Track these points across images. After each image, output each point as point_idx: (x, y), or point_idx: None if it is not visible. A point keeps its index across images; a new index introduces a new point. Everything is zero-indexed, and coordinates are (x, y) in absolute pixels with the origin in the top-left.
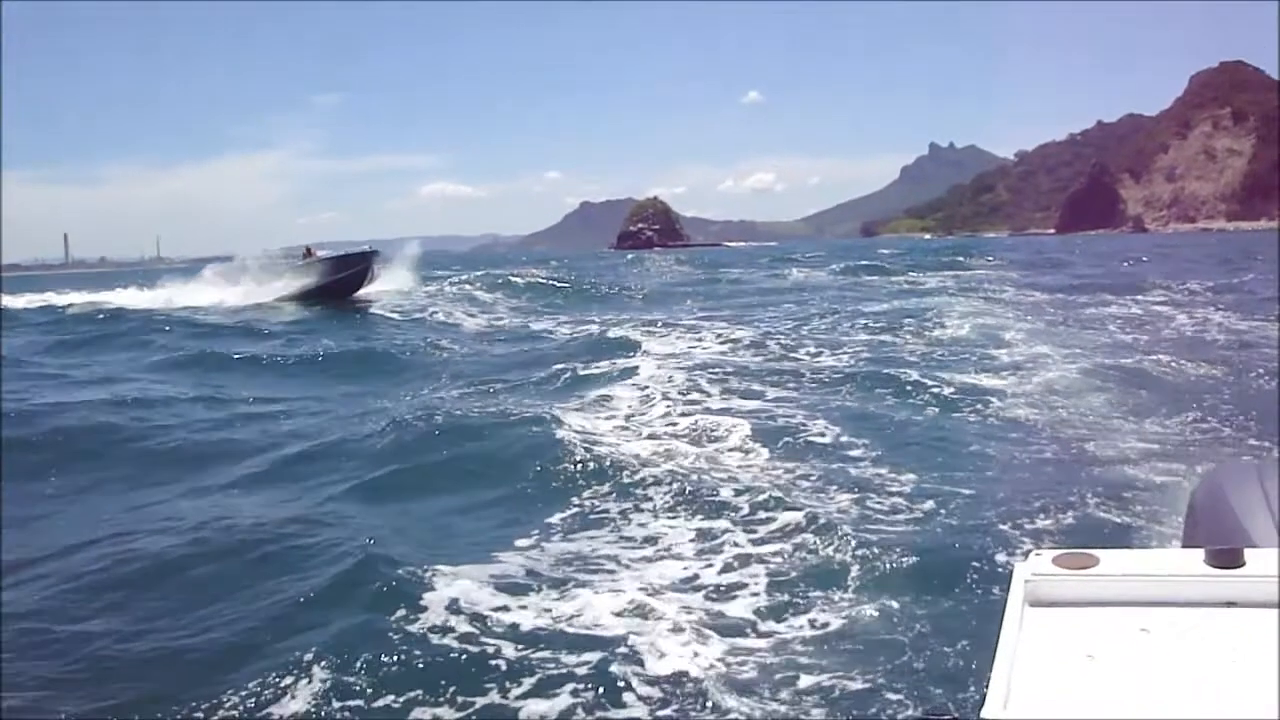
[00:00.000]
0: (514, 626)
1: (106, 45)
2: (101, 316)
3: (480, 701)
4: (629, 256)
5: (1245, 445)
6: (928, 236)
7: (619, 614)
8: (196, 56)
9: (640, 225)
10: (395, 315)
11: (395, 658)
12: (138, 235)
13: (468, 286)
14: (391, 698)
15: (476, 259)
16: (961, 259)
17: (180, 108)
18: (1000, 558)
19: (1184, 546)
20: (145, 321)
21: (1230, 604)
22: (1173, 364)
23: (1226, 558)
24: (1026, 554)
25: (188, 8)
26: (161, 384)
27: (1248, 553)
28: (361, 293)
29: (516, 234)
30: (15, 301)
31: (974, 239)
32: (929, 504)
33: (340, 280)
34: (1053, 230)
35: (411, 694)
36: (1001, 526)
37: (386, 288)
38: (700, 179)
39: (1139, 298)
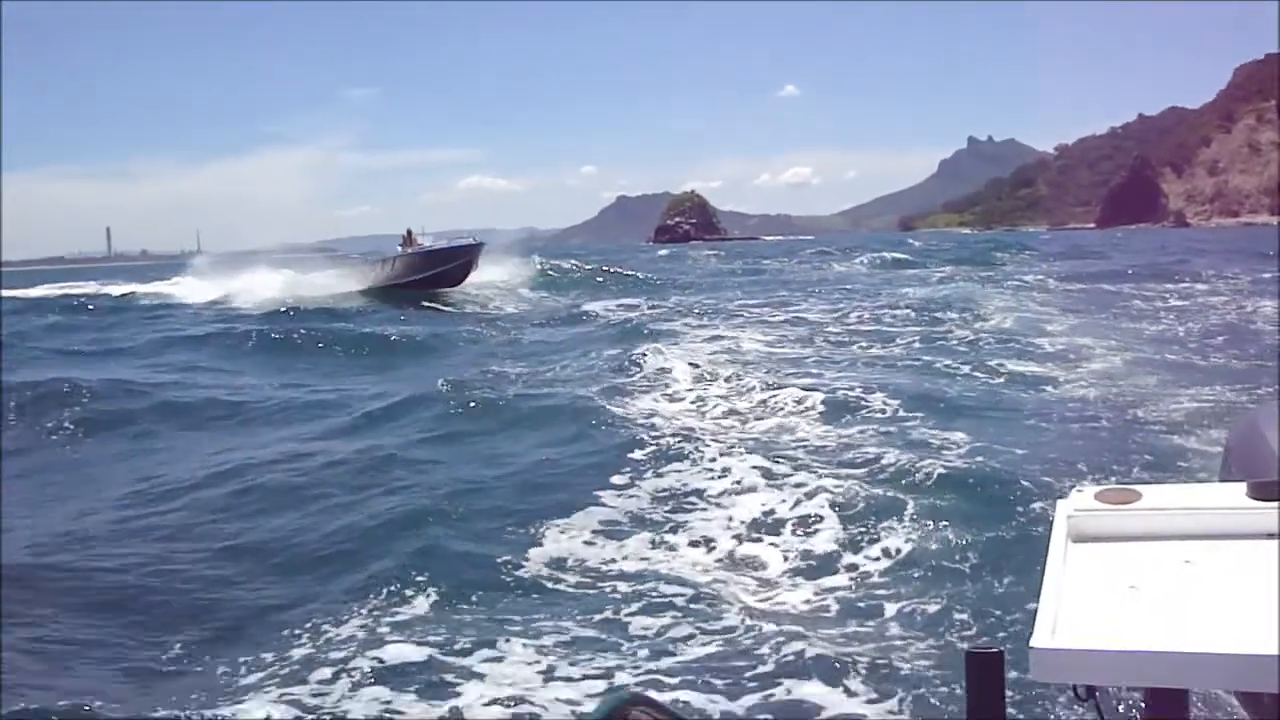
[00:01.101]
0: (609, 559)
1: (145, 42)
2: (158, 306)
3: (585, 626)
4: (663, 251)
5: None
6: (966, 231)
7: (711, 553)
8: (231, 51)
9: (678, 219)
10: (449, 308)
11: (492, 574)
12: (178, 229)
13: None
14: (504, 615)
15: (515, 252)
16: (1000, 253)
17: (217, 103)
18: (1038, 505)
19: (1221, 482)
20: (217, 313)
21: (1272, 535)
22: (1221, 347)
23: (1269, 490)
24: (1068, 491)
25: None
26: (235, 369)
27: None
28: (463, 285)
29: (553, 227)
30: (77, 289)
31: (1013, 233)
32: (980, 458)
33: (444, 272)
34: (1092, 225)
35: (521, 610)
36: (1046, 478)
37: (489, 278)
38: (736, 173)
39: (1183, 287)
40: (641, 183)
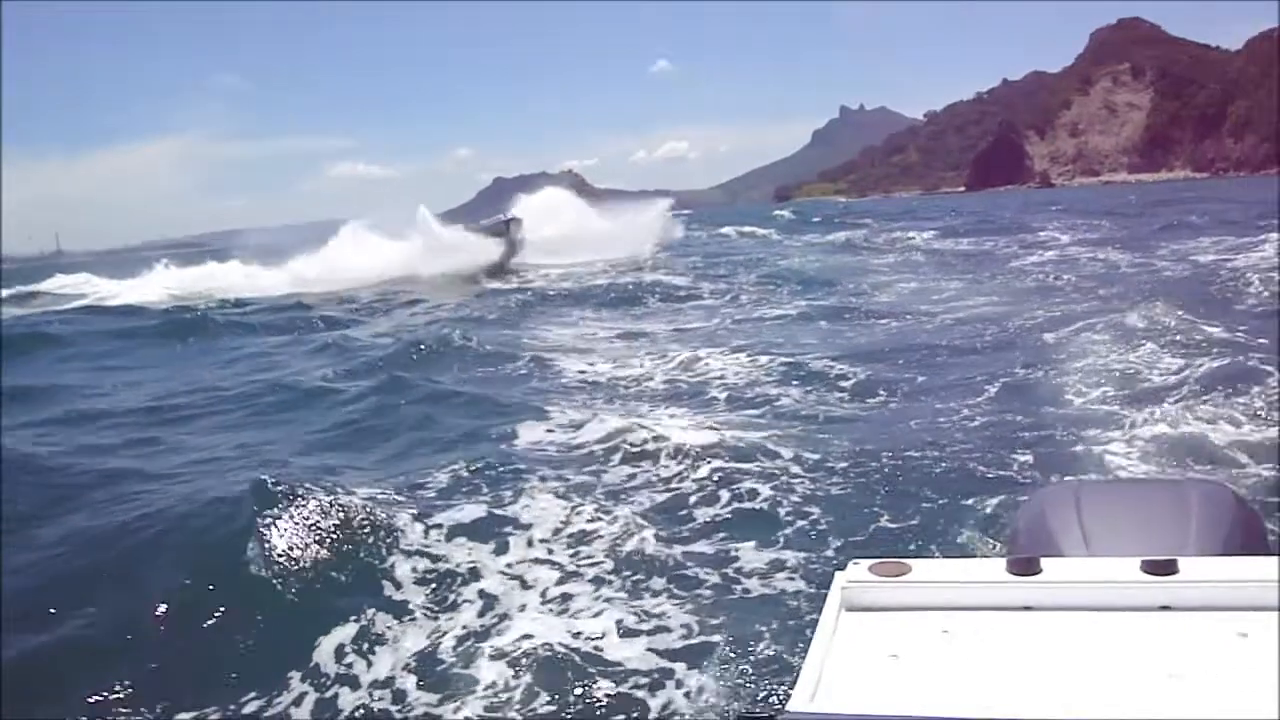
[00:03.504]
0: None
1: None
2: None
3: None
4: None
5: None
6: (842, 199)
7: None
8: (87, 39)
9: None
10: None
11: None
12: (35, 230)
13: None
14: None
15: None
16: (873, 220)
17: (73, 96)
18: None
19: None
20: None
21: (1027, 608)
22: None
23: (1024, 565)
24: (845, 563)
25: None
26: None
27: (1045, 561)
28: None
29: (430, 212)
30: None
31: (888, 199)
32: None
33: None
34: (963, 188)
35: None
36: (833, 538)
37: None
38: (613, 150)
39: (1047, 237)
40: (518, 163)
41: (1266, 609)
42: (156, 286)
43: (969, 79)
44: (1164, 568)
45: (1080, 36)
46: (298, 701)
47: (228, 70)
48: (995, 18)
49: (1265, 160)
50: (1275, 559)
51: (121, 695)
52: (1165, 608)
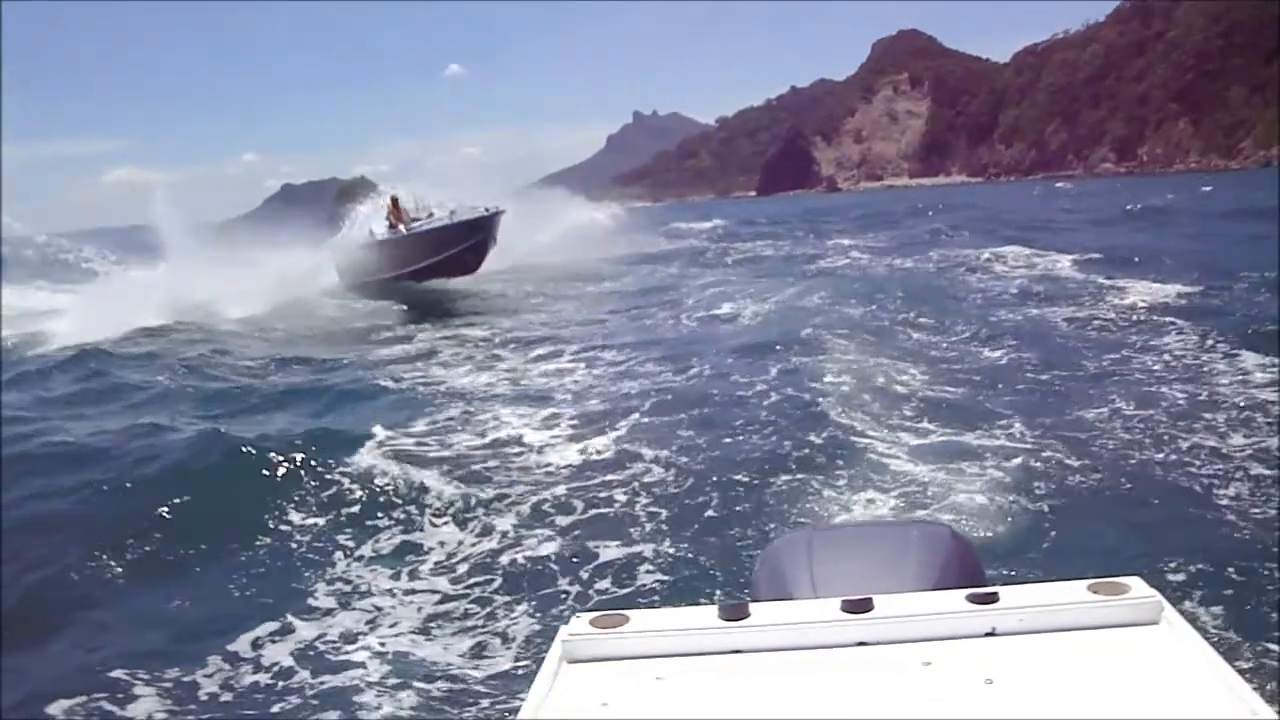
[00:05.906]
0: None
1: None
2: None
3: None
4: None
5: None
6: (641, 204)
7: None
8: None
9: (351, 205)
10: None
11: None
12: None
13: None
14: None
15: None
16: (681, 225)
17: None
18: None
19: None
20: None
21: (736, 651)
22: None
23: (733, 611)
24: (569, 617)
25: None
26: None
27: (753, 606)
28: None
29: (213, 220)
30: None
31: (682, 204)
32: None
33: (450, 258)
34: (754, 193)
35: None
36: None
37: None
38: (405, 155)
39: (837, 244)
40: (306, 169)
41: (947, 638)
42: None
43: (759, 86)
44: (860, 606)
45: (863, 46)
46: None
47: None
48: (783, 25)
49: (1033, 166)
50: (960, 592)
51: None
52: (861, 643)
